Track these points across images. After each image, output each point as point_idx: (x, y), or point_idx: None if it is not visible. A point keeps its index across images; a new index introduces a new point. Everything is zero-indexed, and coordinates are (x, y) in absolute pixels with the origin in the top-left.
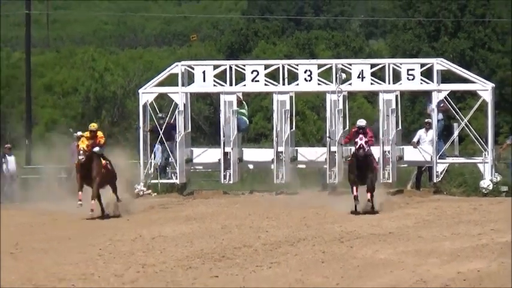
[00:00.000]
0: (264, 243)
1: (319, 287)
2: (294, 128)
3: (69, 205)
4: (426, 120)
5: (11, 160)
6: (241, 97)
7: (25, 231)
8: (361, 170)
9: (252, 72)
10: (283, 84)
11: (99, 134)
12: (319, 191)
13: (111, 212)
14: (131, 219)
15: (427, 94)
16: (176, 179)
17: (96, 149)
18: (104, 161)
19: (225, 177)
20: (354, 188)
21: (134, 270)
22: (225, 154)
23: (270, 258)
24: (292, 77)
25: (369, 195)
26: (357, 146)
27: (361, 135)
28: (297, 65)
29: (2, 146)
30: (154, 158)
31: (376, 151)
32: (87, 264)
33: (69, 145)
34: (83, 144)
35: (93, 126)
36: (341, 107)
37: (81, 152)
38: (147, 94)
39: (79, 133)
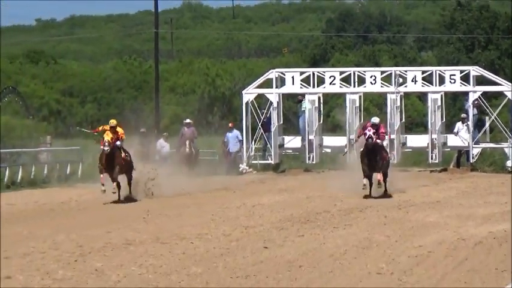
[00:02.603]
0: (339, 210)
1: (382, 243)
2: (362, 121)
3: (188, 180)
4: (462, 114)
5: (167, 146)
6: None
7: (155, 201)
8: (370, 158)
9: (329, 77)
10: (354, 86)
11: (119, 130)
12: None
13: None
14: (237, 191)
15: (465, 94)
16: (271, 160)
17: (118, 143)
18: (123, 154)
19: (309, 159)
20: (364, 178)
21: (239, 231)
22: (309, 141)
23: (344, 221)
24: (361, 81)
25: (379, 175)
26: (366, 137)
27: (369, 128)
28: (365, 72)
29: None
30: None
31: (424, 139)
32: (202, 226)
33: (180, 131)
34: (108, 137)
35: (113, 122)
36: (398, 104)
37: (106, 143)
38: (249, 94)
39: (188, 120)
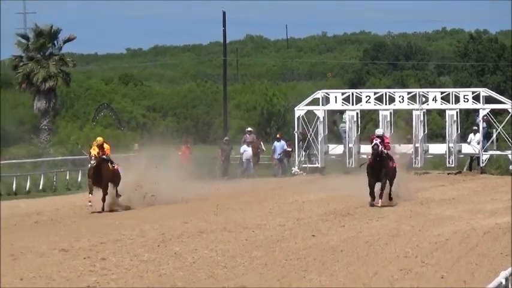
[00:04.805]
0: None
1: (408, 232)
2: (392, 132)
3: (251, 181)
4: (474, 127)
5: (249, 150)
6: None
7: (223, 197)
8: (375, 169)
9: (365, 97)
10: (386, 104)
11: (106, 146)
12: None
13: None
14: (290, 189)
15: (476, 111)
16: (318, 164)
17: (104, 156)
18: (111, 166)
19: (349, 163)
20: (370, 189)
21: (291, 222)
22: (349, 148)
23: (377, 214)
24: (391, 100)
25: (380, 201)
26: (372, 144)
27: (376, 138)
28: (394, 93)
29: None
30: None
31: (443, 147)
32: (261, 218)
33: (242, 138)
34: (94, 151)
35: (100, 140)
36: (422, 119)
37: (93, 157)
38: (300, 110)
39: (249, 128)
